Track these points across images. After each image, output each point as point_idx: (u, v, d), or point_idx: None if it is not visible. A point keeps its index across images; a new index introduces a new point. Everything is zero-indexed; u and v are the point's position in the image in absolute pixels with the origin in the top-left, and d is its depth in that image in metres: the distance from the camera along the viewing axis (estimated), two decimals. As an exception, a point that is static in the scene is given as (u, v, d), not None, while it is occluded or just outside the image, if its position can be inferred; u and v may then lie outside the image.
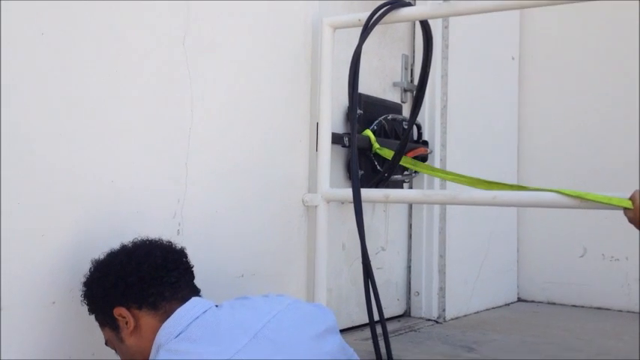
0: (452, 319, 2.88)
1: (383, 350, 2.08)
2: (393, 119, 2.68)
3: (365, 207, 2.63)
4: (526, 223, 3.50)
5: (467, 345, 2.43)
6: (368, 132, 2.52)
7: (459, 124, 2.98)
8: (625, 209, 1.68)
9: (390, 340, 2.13)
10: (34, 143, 1.51)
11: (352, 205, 2.08)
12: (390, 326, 2.62)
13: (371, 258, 2.60)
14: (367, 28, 2.16)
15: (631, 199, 1.67)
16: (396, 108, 2.78)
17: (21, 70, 1.49)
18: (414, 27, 2.91)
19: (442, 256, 2.87)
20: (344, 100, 2.43)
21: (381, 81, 2.77)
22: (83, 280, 1.51)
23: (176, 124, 1.86)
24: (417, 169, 2.51)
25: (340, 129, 2.47)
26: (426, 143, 2.82)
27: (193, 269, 1.55)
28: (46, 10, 1.53)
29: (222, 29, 2.00)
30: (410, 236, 2.90)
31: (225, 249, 2.00)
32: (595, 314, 3.19)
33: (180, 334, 1.39)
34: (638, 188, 1.68)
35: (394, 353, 2.14)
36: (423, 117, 2.84)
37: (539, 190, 1.98)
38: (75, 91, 1.60)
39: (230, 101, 2.04)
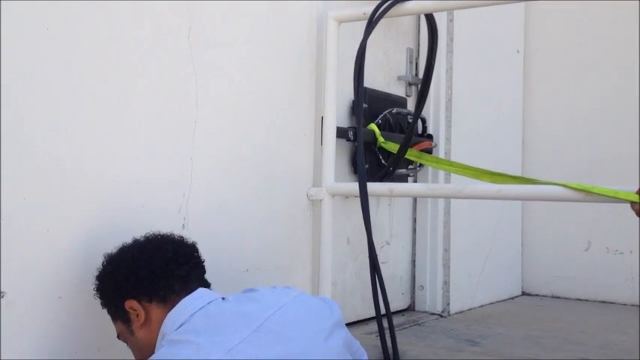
0: (456, 313, 2.88)
1: (388, 344, 2.08)
2: (398, 113, 2.67)
3: (369, 201, 2.63)
4: (530, 217, 3.50)
5: (471, 339, 2.43)
6: (373, 126, 2.51)
7: (464, 117, 2.98)
8: (632, 203, 1.68)
9: (395, 333, 2.14)
10: (39, 138, 1.51)
11: (357, 200, 2.08)
12: (394, 320, 2.61)
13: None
14: (372, 22, 2.15)
15: (638, 192, 1.66)
16: (401, 102, 2.77)
17: (25, 65, 1.49)
18: (419, 20, 2.90)
19: (447, 250, 2.87)
20: (349, 94, 2.43)
21: (385, 75, 2.76)
22: (96, 274, 1.53)
23: (181, 119, 1.86)
24: (422, 161, 2.51)
25: (345, 123, 2.47)
26: (430, 137, 2.81)
27: (204, 264, 1.56)
28: (51, 5, 1.53)
29: (226, 23, 2.00)
30: (414, 230, 2.89)
31: (230, 243, 2.00)
32: (599, 308, 3.19)
33: (183, 324, 1.40)
34: (644, 182, 1.68)
35: (399, 347, 2.14)
36: (428, 110, 2.83)
37: (544, 183, 1.97)
38: (80, 86, 1.60)
39: (235, 95, 2.04)
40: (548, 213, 3.42)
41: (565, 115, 3.44)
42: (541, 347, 2.35)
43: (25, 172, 1.48)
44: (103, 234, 1.63)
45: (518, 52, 3.51)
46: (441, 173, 2.81)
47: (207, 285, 1.53)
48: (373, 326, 2.26)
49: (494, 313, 2.98)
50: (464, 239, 2.96)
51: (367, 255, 2.09)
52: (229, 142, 2.01)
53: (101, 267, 1.52)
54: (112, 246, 1.57)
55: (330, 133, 2.27)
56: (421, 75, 2.46)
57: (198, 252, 1.56)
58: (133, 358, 1.57)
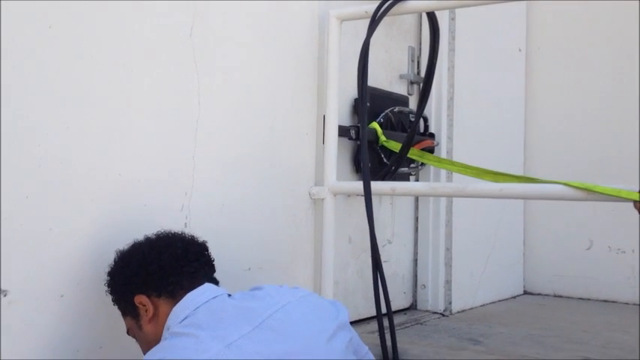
0: (458, 312, 2.88)
1: (388, 344, 2.08)
2: (400, 112, 2.67)
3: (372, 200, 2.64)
4: (532, 216, 3.49)
5: (473, 338, 2.43)
6: (374, 124, 2.51)
7: (466, 116, 2.98)
8: (634, 202, 1.67)
9: (397, 332, 2.13)
10: (41, 137, 1.51)
11: (359, 199, 2.08)
12: (396, 319, 2.62)
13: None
14: (375, 20, 2.15)
15: (640, 192, 1.66)
16: (403, 100, 2.77)
17: (28, 63, 1.48)
18: (421, 19, 2.90)
19: (449, 249, 2.87)
20: (350, 93, 2.42)
21: (387, 73, 2.76)
22: (107, 270, 1.55)
23: (183, 117, 1.86)
24: (424, 160, 2.51)
25: (347, 121, 2.47)
26: (432, 136, 2.81)
27: (214, 263, 1.58)
28: (52, 4, 1.53)
29: (228, 22, 2.00)
30: (416, 229, 2.89)
31: (232, 241, 2.00)
32: (601, 307, 3.19)
33: (186, 317, 1.42)
34: (646, 181, 1.68)
35: (401, 346, 2.14)
36: (430, 109, 2.83)
37: (546, 182, 1.97)
38: (82, 85, 1.59)
39: (237, 94, 2.03)
40: (550, 212, 3.42)
41: (567, 113, 3.44)
42: (543, 346, 2.35)
43: (27, 170, 1.48)
44: (105, 232, 1.63)
45: (520, 50, 3.50)
46: (443, 172, 2.81)
47: (215, 283, 1.55)
48: (375, 325, 2.25)
49: (496, 312, 2.97)
50: (466, 238, 2.96)
51: (369, 254, 2.09)
52: (231, 140, 2.01)
53: (113, 263, 1.55)
54: (115, 245, 1.58)
55: (332, 132, 2.26)
56: (423, 73, 2.46)
57: (208, 250, 1.58)
58: (134, 357, 1.57)
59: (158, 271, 1.48)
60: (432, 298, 2.85)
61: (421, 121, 2.74)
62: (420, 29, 2.92)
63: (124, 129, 1.69)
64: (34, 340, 1.51)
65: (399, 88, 2.82)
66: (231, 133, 2.01)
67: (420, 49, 2.92)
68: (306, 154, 2.29)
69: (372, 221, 2.03)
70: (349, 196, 2.45)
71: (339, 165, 2.31)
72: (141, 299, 1.49)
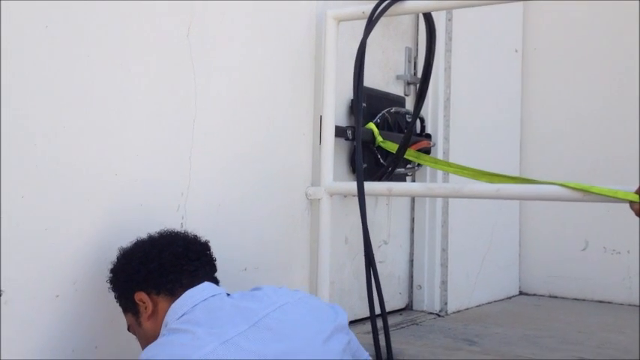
0: (454, 313, 2.88)
1: (383, 344, 2.08)
2: (396, 112, 2.67)
3: (368, 200, 2.61)
4: (528, 217, 3.50)
5: (468, 338, 2.43)
6: (371, 125, 2.51)
7: (462, 116, 2.98)
8: (631, 203, 1.67)
9: (392, 333, 2.14)
10: (37, 136, 1.51)
11: (355, 199, 2.07)
12: (392, 319, 2.63)
13: (373, 251, 2.61)
14: (372, 21, 2.15)
15: (637, 192, 1.66)
16: (399, 101, 2.77)
17: (24, 64, 1.48)
18: (418, 20, 2.90)
19: (444, 250, 2.87)
20: (347, 93, 2.42)
21: (384, 74, 2.76)
22: (110, 267, 1.56)
23: (180, 118, 1.86)
24: (420, 161, 2.51)
25: (344, 122, 2.47)
26: (429, 136, 2.82)
27: (216, 263, 1.59)
28: (50, 4, 1.52)
29: (225, 22, 1.99)
30: (412, 230, 2.89)
31: (228, 242, 1.99)
32: (596, 307, 3.20)
33: (184, 314, 1.43)
34: (643, 182, 1.68)
35: (396, 347, 2.14)
36: (426, 110, 2.83)
37: (542, 183, 1.97)
38: (78, 85, 1.59)
39: (234, 94, 2.03)
40: (546, 213, 3.42)
41: (563, 114, 3.44)
42: (538, 347, 2.35)
43: (24, 170, 1.48)
44: (101, 233, 1.63)
45: (516, 51, 3.51)
46: (440, 172, 2.81)
47: (216, 282, 1.55)
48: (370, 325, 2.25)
49: (491, 312, 2.98)
50: (462, 239, 2.96)
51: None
52: (228, 140, 2.01)
53: (115, 260, 1.56)
54: (111, 244, 1.58)
55: (329, 132, 2.26)
56: (420, 74, 2.46)
57: (210, 250, 1.59)
58: (130, 357, 1.57)
59: (158, 268, 1.49)
60: (428, 299, 2.85)
61: (418, 121, 2.74)
62: (417, 30, 2.93)
63: (120, 129, 1.69)
64: (30, 340, 1.50)
65: (396, 89, 2.82)
66: (227, 133, 2.01)
67: (417, 49, 2.92)
68: (302, 154, 2.29)
69: (366, 221, 2.03)
70: (346, 196, 2.45)
71: (335, 165, 2.31)
72: (140, 296, 1.50)
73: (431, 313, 2.82)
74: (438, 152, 2.85)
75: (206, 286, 1.49)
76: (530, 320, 2.84)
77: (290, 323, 1.42)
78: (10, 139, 1.44)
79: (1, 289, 1.43)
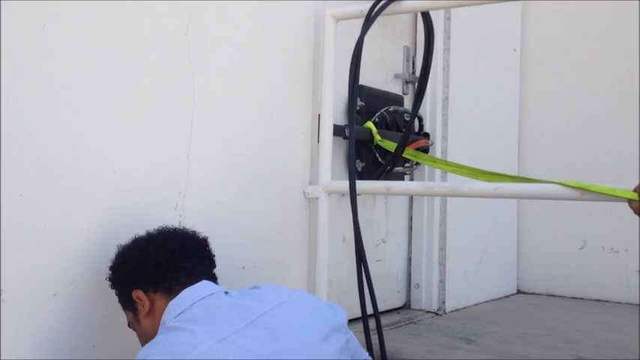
0: (452, 311, 2.89)
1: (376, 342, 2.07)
2: (395, 111, 2.67)
3: (366, 199, 2.64)
4: (526, 216, 3.50)
5: (466, 337, 2.43)
6: (369, 124, 2.51)
7: (461, 115, 2.98)
8: (630, 201, 1.67)
9: (390, 331, 2.14)
10: (36, 135, 1.51)
11: (353, 197, 2.07)
12: (389, 318, 2.63)
13: (371, 250, 2.62)
14: (369, 20, 2.15)
15: (635, 190, 1.66)
16: (398, 100, 2.77)
17: (23, 62, 1.48)
18: (416, 19, 2.90)
19: (442, 249, 2.87)
20: (345, 92, 2.42)
21: (382, 73, 2.76)
22: (109, 264, 1.56)
23: (178, 116, 1.85)
24: (418, 160, 2.51)
25: (342, 121, 2.47)
26: (427, 135, 2.82)
27: (215, 259, 1.58)
28: (49, 3, 1.52)
29: (224, 22, 1.99)
30: (410, 228, 2.90)
31: (226, 241, 1.99)
32: (594, 306, 3.20)
33: (182, 312, 1.43)
34: (641, 180, 1.68)
35: (394, 345, 2.14)
36: (425, 109, 2.83)
37: (541, 181, 1.97)
38: (77, 83, 1.59)
39: (232, 93, 2.03)
40: (544, 211, 3.43)
41: (561, 113, 3.45)
42: (536, 345, 2.35)
43: (22, 169, 1.48)
44: (99, 231, 1.63)
45: (514, 50, 3.51)
46: (437, 171, 2.81)
47: (214, 279, 1.55)
48: (369, 324, 2.25)
49: (489, 311, 2.98)
50: (460, 237, 2.97)
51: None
52: (226, 139, 2.01)
53: (114, 258, 1.56)
54: (109, 243, 1.58)
55: (327, 131, 2.26)
56: (418, 73, 2.46)
57: (208, 246, 1.59)
58: (127, 356, 1.57)
59: (155, 266, 1.49)
60: (426, 297, 2.85)
61: (416, 120, 2.74)
62: (416, 29, 2.93)
63: (119, 127, 1.69)
64: (27, 339, 1.50)
65: (394, 88, 2.82)
66: (225, 131, 2.01)
67: (415, 48, 2.92)
68: (300, 153, 2.29)
69: (357, 220, 2.04)
70: (344, 195, 2.44)
71: (333, 164, 2.31)
72: (138, 294, 1.50)
73: (429, 312, 2.82)
74: (437, 151, 2.85)
75: (204, 285, 1.49)
76: (528, 319, 2.84)
77: (287, 322, 1.41)
78: (8, 137, 1.44)
79: (0, 287, 1.43)
